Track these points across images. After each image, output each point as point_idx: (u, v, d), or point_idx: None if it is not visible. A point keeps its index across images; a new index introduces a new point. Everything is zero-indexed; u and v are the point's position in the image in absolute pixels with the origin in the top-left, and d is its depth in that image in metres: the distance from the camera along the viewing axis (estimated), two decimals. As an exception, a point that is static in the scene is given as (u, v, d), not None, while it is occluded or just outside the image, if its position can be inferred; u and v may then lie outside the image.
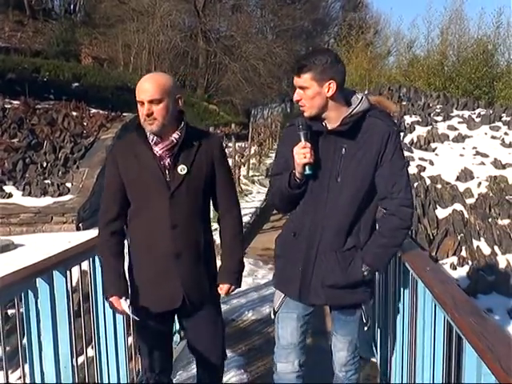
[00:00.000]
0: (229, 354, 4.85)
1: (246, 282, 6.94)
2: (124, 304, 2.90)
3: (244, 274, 7.17)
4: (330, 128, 2.78)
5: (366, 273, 2.85)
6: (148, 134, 2.84)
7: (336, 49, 28.21)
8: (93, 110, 16.76)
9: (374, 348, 4.56)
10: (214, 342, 3.08)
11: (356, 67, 24.95)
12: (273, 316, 3.12)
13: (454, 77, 22.07)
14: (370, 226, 2.91)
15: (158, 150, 2.82)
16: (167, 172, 2.83)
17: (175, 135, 2.82)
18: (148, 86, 2.74)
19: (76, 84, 26.33)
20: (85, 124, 14.75)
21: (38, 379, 2.88)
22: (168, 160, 2.83)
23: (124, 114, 15.97)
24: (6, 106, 14.85)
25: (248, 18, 37.95)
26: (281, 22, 39.10)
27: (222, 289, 3.02)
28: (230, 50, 35.23)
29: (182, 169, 2.82)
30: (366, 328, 3.09)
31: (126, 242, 3.11)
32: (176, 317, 3.19)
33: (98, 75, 28.32)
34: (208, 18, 35.56)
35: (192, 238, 2.90)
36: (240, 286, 3.16)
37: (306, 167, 2.74)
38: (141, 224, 2.92)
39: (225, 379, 4.36)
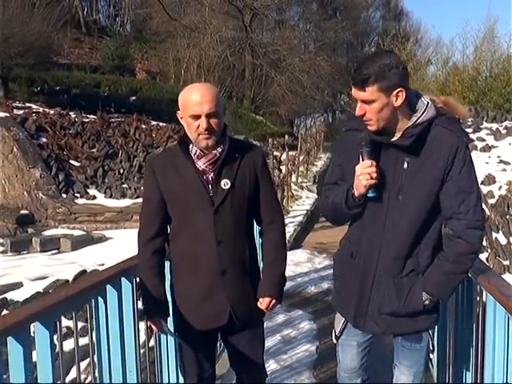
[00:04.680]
0: (300, 312, 6.45)
1: (307, 266, 8.59)
2: (165, 326, 2.84)
3: (303, 260, 9.00)
4: (391, 140, 2.48)
5: (426, 302, 2.57)
6: (191, 147, 2.72)
7: None
8: (153, 122, 18.32)
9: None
10: (255, 358, 2.96)
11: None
12: (334, 340, 2.94)
13: (487, 91, 23.08)
14: (432, 247, 2.57)
15: (201, 164, 2.69)
16: (210, 187, 2.69)
17: (219, 149, 2.69)
18: (206, 99, 2.57)
19: (133, 98, 27.68)
20: (153, 136, 16.46)
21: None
22: (211, 174, 2.69)
23: (188, 127, 17.37)
24: (84, 120, 16.66)
25: (292, 32, 38.65)
26: (324, 36, 39.82)
27: (263, 303, 2.84)
28: (276, 63, 35.84)
29: (225, 183, 2.69)
30: (431, 356, 2.94)
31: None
32: (219, 333, 3.04)
33: (152, 89, 29.44)
34: (255, 32, 36.50)
35: (237, 253, 2.77)
36: (281, 302, 2.99)
37: (370, 189, 2.47)
38: (184, 241, 2.78)
39: (298, 329, 5.93)
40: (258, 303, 2.85)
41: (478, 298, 3.08)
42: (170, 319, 2.91)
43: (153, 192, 2.76)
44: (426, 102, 2.46)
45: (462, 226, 2.45)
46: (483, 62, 24.78)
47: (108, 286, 2.85)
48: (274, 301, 2.86)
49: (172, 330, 2.92)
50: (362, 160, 2.45)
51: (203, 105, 2.55)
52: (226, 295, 2.74)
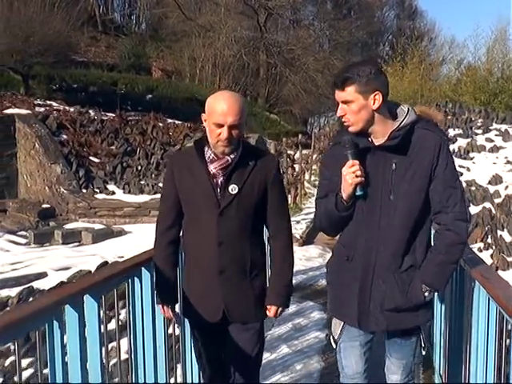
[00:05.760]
0: (311, 303, 6.79)
1: (318, 261, 8.97)
2: (172, 311, 3.02)
3: (315, 255, 9.46)
4: (377, 143, 2.62)
5: (426, 293, 2.68)
6: (206, 150, 2.83)
7: (391, 63, 28.92)
8: (169, 120, 18.71)
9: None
10: (249, 360, 3.01)
11: (409, 81, 26.11)
12: (334, 345, 2.94)
13: (498, 93, 23.22)
14: (426, 242, 2.72)
15: (212, 167, 2.79)
16: (219, 190, 2.79)
17: (232, 155, 2.78)
18: (231, 111, 2.67)
19: (149, 96, 28.12)
20: (170, 134, 16.88)
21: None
22: (221, 179, 2.79)
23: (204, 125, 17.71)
24: (103, 118, 17.13)
25: (307, 32, 38.99)
26: (338, 35, 39.80)
27: (270, 310, 2.94)
28: (290, 62, 36.08)
29: (233, 188, 2.78)
30: (423, 352, 2.92)
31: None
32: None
33: (168, 87, 29.97)
34: (270, 32, 36.79)
35: (237, 255, 2.86)
36: (288, 307, 3.10)
37: (357, 188, 2.59)
38: (191, 237, 2.94)
39: (309, 318, 6.28)
40: (267, 310, 2.95)
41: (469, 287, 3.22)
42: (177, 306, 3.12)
43: (170, 187, 2.93)
44: (406, 109, 2.65)
45: (449, 218, 2.60)
46: (495, 63, 25.00)
47: (143, 269, 3.11)
48: (280, 309, 2.96)
49: (181, 315, 3.13)
50: (347, 161, 2.60)
51: (228, 116, 2.66)
52: (223, 294, 2.85)
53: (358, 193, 2.59)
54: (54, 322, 2.32)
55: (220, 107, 2.66)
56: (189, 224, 2.93)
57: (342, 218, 2.69)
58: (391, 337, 2.85)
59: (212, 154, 2.79)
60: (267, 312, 2.96)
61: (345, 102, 2.56)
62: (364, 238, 2.67)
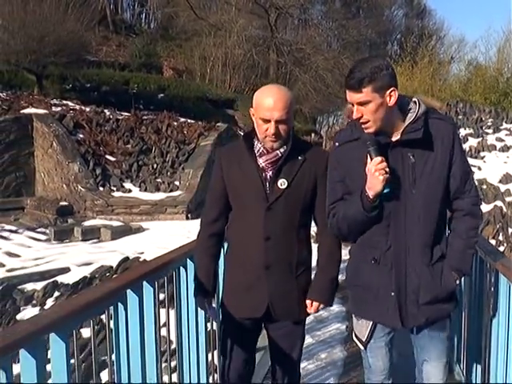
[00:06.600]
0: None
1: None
2: (207, 305, 3.03)
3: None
4: (393, 138, 2.59)
5: (457, 281, 2.72)
6: (255, 144, 2.81)
7: (400, 62, 28.99)
8: (182, 119, 18.93)
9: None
10: (290, 356, 2.99)
11: (419, 81, 26.28)
12: (361, 347, 2.90)
13: (508, 92, 23.34)
14: (445, 231, 2.77)
15: (261, 161, 2.78)
16: (267, 184, 2.78)
17: (281, 149, 2.77)
18: (278, 106, 2.66)
19: (161, 95, 28.15)
20: (185, 132, 17.12)
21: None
22: (270, 173, 2.78)
23: (218, 125, 18.21)
24: (118, 117, 17.38)
25: (316, 31, 38.89)
26: (347, 34, 39.87)
27: (311, 306, 2.90)
28: (300, 61, 36.10)
29: (282, 183, 2.76)
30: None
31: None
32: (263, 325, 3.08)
33: (180, 87, 29.92)
34: (279, 31, 36.80)
35: (284, 250, 2.82)
36: (332, 305, 3.06)
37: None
38: (237, 231, 2.92)
39: (329, 311, 6.51)
40: (308, 306, 2.89)
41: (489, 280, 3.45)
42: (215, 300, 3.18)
43: (217, 181, 2.92)
44: (415, 100, 2.63)
45: (466, 203, 2.68)
46: (505, 63, 25.10)
47: (188, 260, 3.34)
48: (321, 305, 2.91)
49: (217, 309, 3.17)
50: (371, 159, 2.52)
51: (274, 111, 2.65)
52: (268, 289, 2.82)
53: (386, 190, 2.52)
54: (119, 304, 2.60)
55: (267, 102, 2.67)
56: (236, 218, 2.93)
57: (369, 219, 2.62)
58: (426, 333, 2.81)
59: (261, 148, 2.79)
60: (308, 307, 2.90)
61: (361, 104, 2.50)
62: (390, 236, 2.64)
